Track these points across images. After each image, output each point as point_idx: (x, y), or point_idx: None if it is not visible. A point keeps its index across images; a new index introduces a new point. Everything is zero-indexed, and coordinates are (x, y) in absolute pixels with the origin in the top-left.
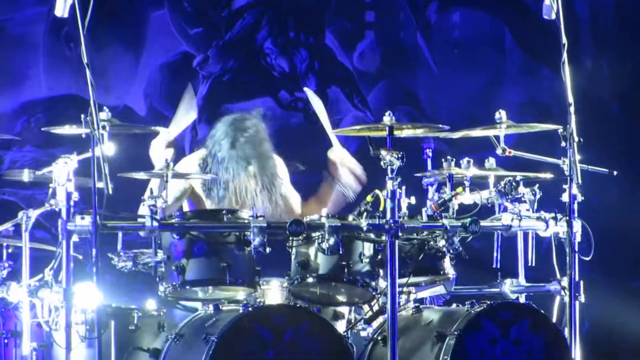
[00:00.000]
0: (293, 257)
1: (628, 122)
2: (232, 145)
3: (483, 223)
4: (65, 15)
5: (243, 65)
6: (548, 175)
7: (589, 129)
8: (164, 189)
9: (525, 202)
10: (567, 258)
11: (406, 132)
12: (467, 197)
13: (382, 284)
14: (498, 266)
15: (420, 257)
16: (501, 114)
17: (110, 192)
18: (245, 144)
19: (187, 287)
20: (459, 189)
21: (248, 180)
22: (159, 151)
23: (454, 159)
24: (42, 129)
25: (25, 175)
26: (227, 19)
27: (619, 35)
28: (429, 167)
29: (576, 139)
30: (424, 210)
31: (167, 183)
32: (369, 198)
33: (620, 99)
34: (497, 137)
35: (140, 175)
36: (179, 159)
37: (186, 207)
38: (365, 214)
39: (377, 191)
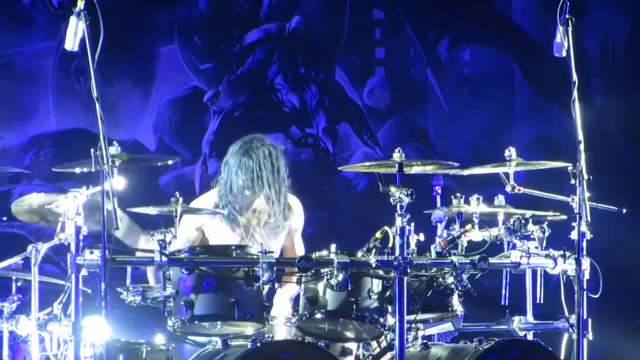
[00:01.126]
0: (302, 293)
1: (636, 160)
2: (246, 152)
3: (492, 260)
4: (76, 49)
5: (254, 101)
6: (557, 215)
7: (597, 166)
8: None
9: (534, 239)
10: (576, 296)
11: (415, 169)
12: (476, 234)
13: (391, 320)
14: (506, 303)
15: (428, 294)
16: (511, 152)
17: (120, 226)
18: (260, 155)
19: (196, 322)
20: (468, 226)
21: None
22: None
23: (463, 196)
24: (54, 169)
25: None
26: (238, 55)
27: (628, 72)
28: (438, 204)
29: (586, 176)
30: (432, 247)
31: (176, 219)
32: (378, 234)
33: (628, 136)
34: (506, 175)
35: (150, 210)
36: (188, 194)
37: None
38: (374, 250)
39: (386, 228)
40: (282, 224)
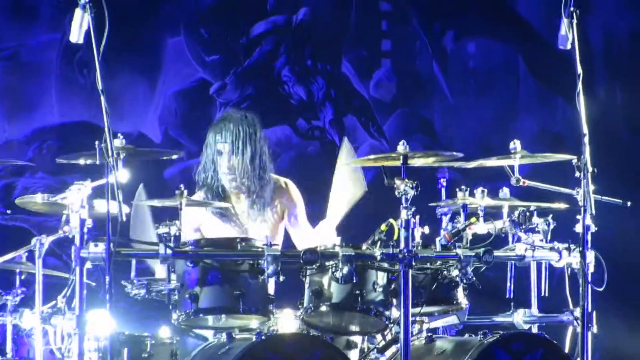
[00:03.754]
0: (307, 285)
1: None
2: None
3: (496, 253)
4: (81, 41)
5: (261, 93)
6: (562, 206)
7: (602, 159)
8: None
9: (538, 232)
10: (580, 289)
11: (420, 161)
12: (480, 227)
13: (395, 313)
14: (511, 296)
15: (433, 287)
16: (515, 144)
17: (124, 219)
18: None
19: (201, 315)
20: (473, 219)
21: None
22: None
23: (468, 189)
24: (57, 160)
25: (39, 200)
26: (245, 46)
27: (632, 64)
28: (443, 197)
29: (590, 169)
30: (437, 239)
31: (181, 211)
32: (383, 227)
33: (633, 129)
34: (511, 167)
35: (155, 203)
36: (193, 186)
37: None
38: (379, 243)
39: (391, 220)
40: (267, 201)
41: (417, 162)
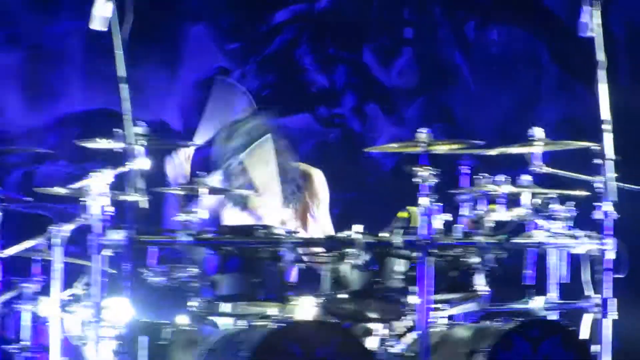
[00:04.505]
0: (326, 273)
1: None
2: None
3: (517, 240)
4: (105, 28)
5: (281, 81)
6: (583, 193)
7: (625, 147)
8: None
9: (559, 219)
10: (600, 275)
11: (441, 149)
12: (501, 214)
13: (415, 300)
14: (530, 283)
15: (453, 274)
16: (536, 132)
17: (146, 206)
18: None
19: (220, 302)
20: (493, 206)
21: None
22: (180, 168)
23: (489, 176)
24: (76, 142)
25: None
26: (265, 35)
27: None
28: (464, 184)
29: (613, 156)
30: (458, 227)
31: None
32: (403, 214)
33: None
34: (532, 154)
35: (175, 191)
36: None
37: None
38: (399, 230)
39: (410, 208)
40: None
41: (439, 149)
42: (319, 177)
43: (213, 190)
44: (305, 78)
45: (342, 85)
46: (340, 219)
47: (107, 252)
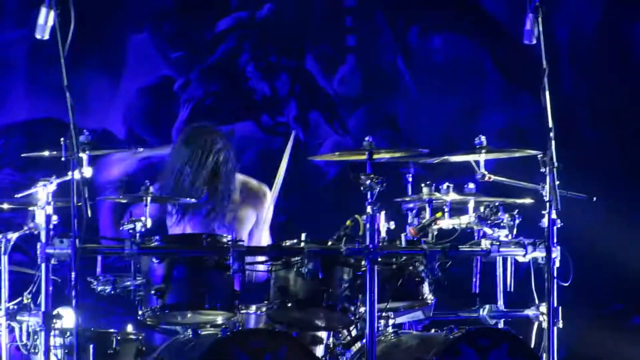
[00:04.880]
0: (272, 281)
1: (606, 148)
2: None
3: (462, 248)
4: (46, 37)
5: (225, 89)
6: (527, 201)
7: (568, 154)
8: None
9: (504, 227)
10: (546, 284)
11: (385, 156)
12: (446, 222)
13: (361, 309)
14: (477, 291)
15: (399, 282)
16: (481, 139)
17: (90, 215)
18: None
19: (167, 311)
20: (439, 214)
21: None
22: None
23: (434, 184)
24: (23, 155)
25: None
26: (209, 43)
27: (597, 61)
28: (409, 192)
29: (556, 164)
30: (403, 235)
31: (147, 208)
32: (348, 223)
33: (598, 124)
34: (477, 162)
35: (120, 199)
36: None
37: None
38: (344, 238)
39: (356, 216)
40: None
41: (383, 157)
42: (268, 195)
43: (158, 199)
44: (248, 86)
45: (284, 93)
46: (285, 227)
47: (53, 261)
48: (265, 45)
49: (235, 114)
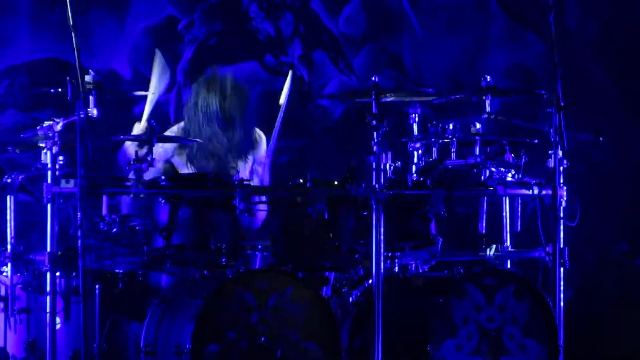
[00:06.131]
0: (278, 222)
1: (612, 87)
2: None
3: (469, 188)
4: None
5: (228, 29)
6: (534, 141)
7: (573, 94)
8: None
9: (511, 167)
10: (553, 224)
11: (391, 97)
12: (452, 163)
13: (368, 249)
14: (483, 232)
15: (405, 223)
16: (487, 80)
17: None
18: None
19: (172, 251)
20: (445, 155)
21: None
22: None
23: (440, 124)
24: (30, 93)
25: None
26: None
27: None
28: (415, 132)
29: (562, 104)
30: (409, 175)
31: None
32: (354, 163)
33: (605, 63)
34: (483, 102)
35: (126, 139)
36: (163, 123)
37: None
38: (350, 179)
39: (362, 156)
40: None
41: (389, 98)
42: (264, 142)
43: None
44: (252, 26)
45: (289, 33)
46: (290, 167)
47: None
48: None
49: (239, 54)
